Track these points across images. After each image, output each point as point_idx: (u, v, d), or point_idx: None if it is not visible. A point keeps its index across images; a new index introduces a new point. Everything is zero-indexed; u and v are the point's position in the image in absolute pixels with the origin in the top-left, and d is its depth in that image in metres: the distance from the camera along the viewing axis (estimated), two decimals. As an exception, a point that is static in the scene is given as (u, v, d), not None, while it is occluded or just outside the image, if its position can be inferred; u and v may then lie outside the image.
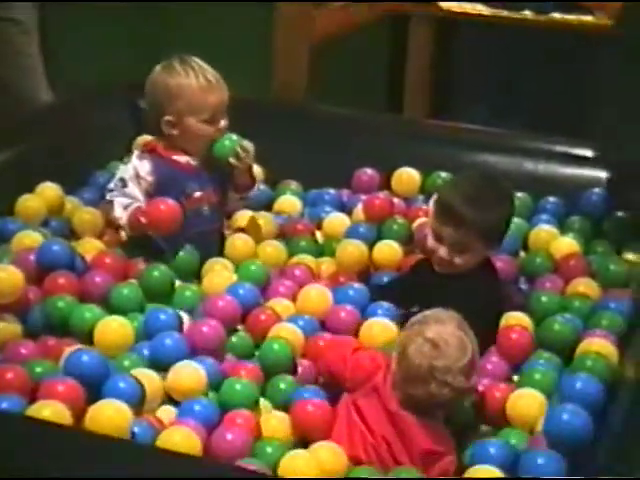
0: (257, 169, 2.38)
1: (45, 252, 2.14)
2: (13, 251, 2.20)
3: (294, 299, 2.13)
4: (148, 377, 1.83)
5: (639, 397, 1.70)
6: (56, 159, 2.52)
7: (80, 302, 2.04)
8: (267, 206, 2.56)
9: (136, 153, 2.23)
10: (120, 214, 2.17)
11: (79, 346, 1.91)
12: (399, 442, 1.72)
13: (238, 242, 2.30)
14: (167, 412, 1.81)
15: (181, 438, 1.66)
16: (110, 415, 1.67)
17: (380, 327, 2.02)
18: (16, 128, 2.57)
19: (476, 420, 1.83)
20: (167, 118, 2.18)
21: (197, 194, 2.21)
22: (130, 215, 2.15)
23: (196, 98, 2.16)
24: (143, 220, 2.12)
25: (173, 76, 2.17)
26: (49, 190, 2.44)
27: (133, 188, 2.17)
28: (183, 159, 2.22)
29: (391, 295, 2.14)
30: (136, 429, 1.69)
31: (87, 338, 1.94)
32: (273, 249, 2.33)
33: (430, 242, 2.04)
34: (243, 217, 2.42)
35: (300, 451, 1.70)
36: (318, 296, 2.11)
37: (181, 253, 2.16)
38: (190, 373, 1.83)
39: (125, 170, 2.20)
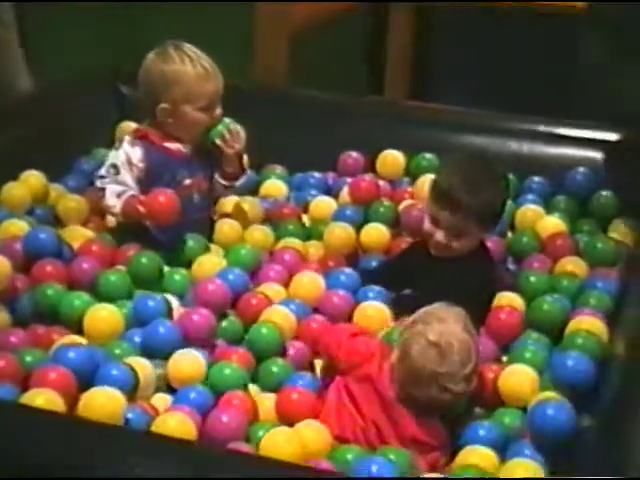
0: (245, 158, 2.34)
1: (32, 240, 2.11)
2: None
3: (284, 284, 2.10)
4: (141, 365, 1.80)
5: (629, 374, 1.68)
6: (39, 146, 2.48)
7: (68, 290, 2.01)
8: (253, 191, 2.52)
9: (127, 139, 2.17)
10: (114, 202, 2.11)
11: (68, 336, 1.88)
12: (390, 428, 1.70)
13: (225, 227, 2.28)
14: (162, 400, 1.79)
15: (176, 423, 1.63)
16: (103, 402, 1.65)
17: (373, 310, 2.01)
18: (-1, 116, 2.53)
19: (470, 403, 1.80)
20: (163, 105, 2.13)
21: (187, 181, 2.19)
22: (125, 203, 2.10)
23: (193, 86, 2.12)
24: (142, 210, 2.07)
25: (168, 63, 2.13)
26: (33, 178, 2.40)
27: (125, 175, 2.12)
28: (174, 146, 2.18)
29: (382, 279, 2.12)
30: (130, 415, 1.66)
31: (77, 326, 1.91)
32: (260, 233, 2.30)
33: (427, 226, 2.02)
34: (229, 203, 2.39)
35: (283, 428, 1.67)
36: (310, 282, 2.08)
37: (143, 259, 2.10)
38: (190, 361, 1.81)
39: (116, 156, 2.14)
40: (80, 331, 1.91)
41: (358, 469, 1.57)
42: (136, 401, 1.75)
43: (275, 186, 2.54)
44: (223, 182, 2.28)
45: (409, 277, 2.05)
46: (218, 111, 2.17)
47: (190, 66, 2.13)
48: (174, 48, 2.15)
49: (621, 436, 1.47)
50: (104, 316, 1.92)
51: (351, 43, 3.91)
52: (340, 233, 2.27)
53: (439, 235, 1.99)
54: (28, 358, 1.80)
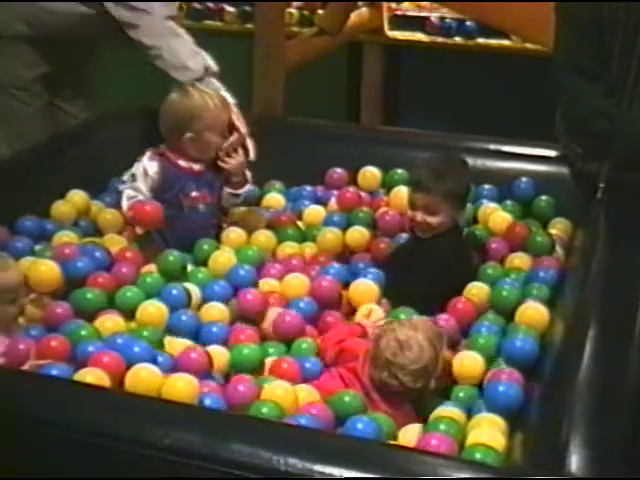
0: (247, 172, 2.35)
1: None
2: (53, 247, 2.16)
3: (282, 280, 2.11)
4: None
5: (565, 349, 1.68)
6: (83, 169, 2.48)
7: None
8: (255, 203, 2.53)
9: (147, 154, 2.18)
10: (125, 204, 2.14)
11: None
12: (368, 405, 1.72)
13: (232, 234, 2.26)
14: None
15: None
16: (181, 386, 1.61)
17: (365, 286, 2.04)
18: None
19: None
20: (189, 135, 2.16)
21: (194, 194, 2.19)
22: (127, 207, 2.13)
23: (213, 117, 2.15)
24: (131, 214, 2.11)
25: (192, 100, 2.16)
26: (77, 196, 2.41)
27: (141, 183, 2.14)
28: (186, 164, 2.19)
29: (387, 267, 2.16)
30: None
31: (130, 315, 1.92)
32: (265, 237, 2.29)
33: (409, 213, 2.08)
34: (238, 212, 2.40)
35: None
36: (298, 282, 2.07)
37: (170, 257, 2.08)
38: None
39: (136, 167, 2.16)
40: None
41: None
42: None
43: (274, 199, 2.54)
44: (230, 190, 2.28)
45: (399, 259, 2.11)
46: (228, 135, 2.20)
47: (209, 100, 2.16)
48: (193, 87, 2.19)
49: (558, 396, 1.48)
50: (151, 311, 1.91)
51: (334, 79, 3.91)
52: (331, 237, 2.29)
53: (418, 215, 2.04)
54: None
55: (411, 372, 1.69)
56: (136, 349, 1.71)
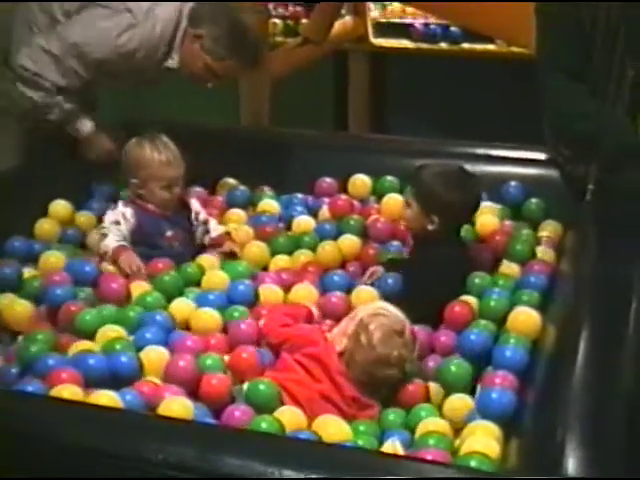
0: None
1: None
2: (41, 271, 2.16)
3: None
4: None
5: (557, 354, 1.68)
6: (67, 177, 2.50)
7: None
8: (247, 207, 2.56)
9: (121, 202, 2.30)
10: (112, 244, 2.19)
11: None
12: (335, 391, 1.73)
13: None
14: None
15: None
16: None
17: (367, 293, 2.05)
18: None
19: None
20: (133, 181, 2.26)
21: (168, 233, 2.26)
22: (114, 248, 2.19)
23: (157, 170, 2.23)
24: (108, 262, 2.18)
25: (142, 150, 2.25)
26: (60, 207, 2.43)
27: (123, 227, 2.23)
28: (155, 208, 2.27)
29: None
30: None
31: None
32: (257, 249, 2.30)
33: (409, 218, 2.10)
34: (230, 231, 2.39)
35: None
36: (306, 292, 2.08)
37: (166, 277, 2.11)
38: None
39: (115, 214, 2.26)
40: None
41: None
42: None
43: (269, 204, 2.54)
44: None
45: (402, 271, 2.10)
46: (177, 190, 2.25)
47: (156, 154, 2.24)
48: (149, 138, 2.27)
49: (552, 399, 1.48)
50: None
51: (320, 88, 3.91)
52: (328, 248, 2.29)
53: (408, 213, 2.07)
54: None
55: (397, 361, 1.72)
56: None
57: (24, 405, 1.47)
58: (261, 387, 1.69)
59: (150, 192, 2.25)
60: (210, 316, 1.96)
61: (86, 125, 2.47)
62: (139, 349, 1.81)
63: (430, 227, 2.04)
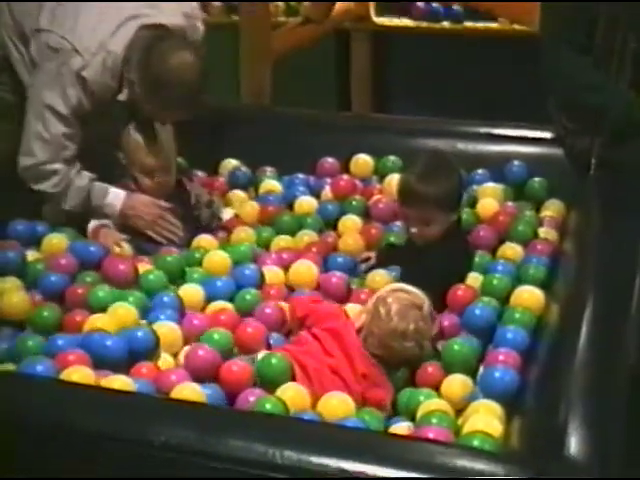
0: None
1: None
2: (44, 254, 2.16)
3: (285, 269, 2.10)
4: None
5: (559, 333, 1.67)
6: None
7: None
8: (249, 187, 2.55)
9: (115, 186, 2.26)
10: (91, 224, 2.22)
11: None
12: (347, 364, 1.72)
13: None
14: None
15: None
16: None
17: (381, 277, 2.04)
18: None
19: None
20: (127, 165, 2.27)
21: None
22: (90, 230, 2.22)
23: (135, 157, 2.23)
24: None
25: (128, 136, 2.24)
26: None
27: None
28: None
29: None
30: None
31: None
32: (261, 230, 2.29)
33: (403, 225, 2.07)
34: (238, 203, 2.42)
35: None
36: (306, 269, 2.06)
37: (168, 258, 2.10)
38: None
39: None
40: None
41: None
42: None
43: (272, 185, 2.53)
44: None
45: (403, 258, 2.07)
46: (163, 178, 2.24)
47: (138, 141, 2.22)
48: (139, 125, 2.23)
49: (554, 378, 1.47)
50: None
51: (322, 67, 3.89)
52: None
53: (412, 229, 2.00)
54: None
55: (415, 334, 1.70)
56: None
57: (24, 388, 1.46)
58: (273, 361, 1.68)
59: (134, 179, 2.24)
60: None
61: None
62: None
63: (431, 228, 1.98)
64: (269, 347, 1.81)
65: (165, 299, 1.92)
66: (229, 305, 1.95)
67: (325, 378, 1.70)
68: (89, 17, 2.19)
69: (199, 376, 1.68)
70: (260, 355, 1.72)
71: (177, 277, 2.05)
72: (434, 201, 1.95)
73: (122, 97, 2.21)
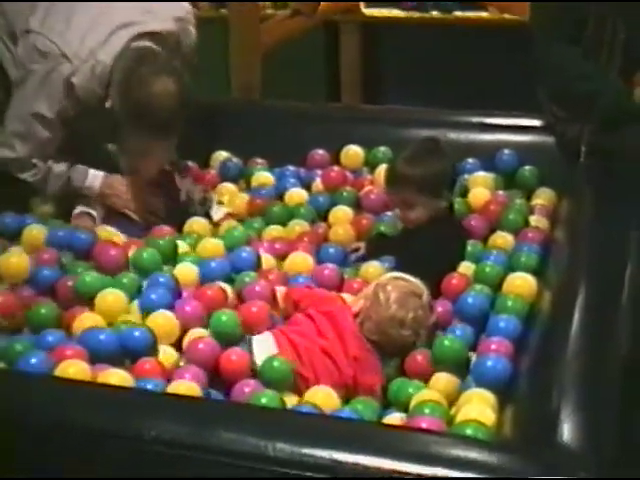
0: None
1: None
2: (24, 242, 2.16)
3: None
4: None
5: (552, 321, 1.67)
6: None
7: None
8: (239, 179, 2.54)
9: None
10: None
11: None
12: (339, 346, 1.71)
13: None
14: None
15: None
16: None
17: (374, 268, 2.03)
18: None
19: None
20: None
21: None
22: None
23: None
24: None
25: None
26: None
27: None
28: None
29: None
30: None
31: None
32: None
33: (393, 211, 2.07)
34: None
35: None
36: (302, 260, 2.07)
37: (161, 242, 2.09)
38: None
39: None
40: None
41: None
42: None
43: (264, 177, 2.52)
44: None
45: (392, 246, 2.07)
46: None
47: None
48: None
49: (547, 365, 1.48)
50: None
51: (312, 60, 3.88)
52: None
53: (397, 211, 2.00)
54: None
55: (412, 323, 1.70)
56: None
57: (18, 384, 1.46)
58: (275, 364, 1.65)
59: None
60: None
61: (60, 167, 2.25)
62: (146, 312, 1.80)
63: (415, 212, 1.99)
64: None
65: (161, 279, 1.91)
66: (227, 287, 1.94)
67: (316, 358, 1.69)
68: (80, 23, 2.16)
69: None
70: (254, 340, 1.71)
71: (170, 259, 2.04)
72: (414, 183, 1.96)
73: (108, 105, 2.17)
